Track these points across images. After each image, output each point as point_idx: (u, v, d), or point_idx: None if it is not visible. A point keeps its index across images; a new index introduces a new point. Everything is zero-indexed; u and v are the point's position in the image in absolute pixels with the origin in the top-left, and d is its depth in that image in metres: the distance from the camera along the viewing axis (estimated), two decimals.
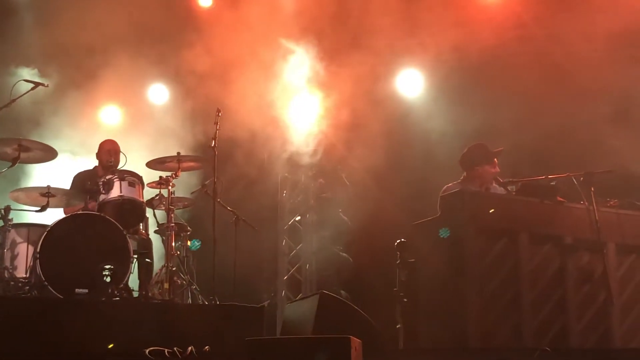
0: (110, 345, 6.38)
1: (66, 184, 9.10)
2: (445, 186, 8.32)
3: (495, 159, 8.37)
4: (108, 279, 7.76)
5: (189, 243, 9.16)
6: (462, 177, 8.41)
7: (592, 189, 7.64)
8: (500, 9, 10.41)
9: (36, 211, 8.35)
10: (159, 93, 11.65)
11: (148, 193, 8.95)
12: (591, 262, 7.57)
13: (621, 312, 7.56)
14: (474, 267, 7.21)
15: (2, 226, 8.11)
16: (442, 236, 7.29)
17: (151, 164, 9.02)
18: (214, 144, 8.85)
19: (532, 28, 10.15)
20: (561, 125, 9.74)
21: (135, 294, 8.27)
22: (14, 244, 8.17)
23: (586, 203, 7.61)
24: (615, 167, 8.07)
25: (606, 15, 9.48)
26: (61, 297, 7.64)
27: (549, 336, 7.31)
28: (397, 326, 7.80)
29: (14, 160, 8.22)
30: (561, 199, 7.71)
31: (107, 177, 8.52)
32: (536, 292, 7.36)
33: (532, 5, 10.25)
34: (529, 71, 10.08)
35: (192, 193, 9.49)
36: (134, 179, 8.62)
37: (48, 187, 8.23)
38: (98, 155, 9.47)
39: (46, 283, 7.68)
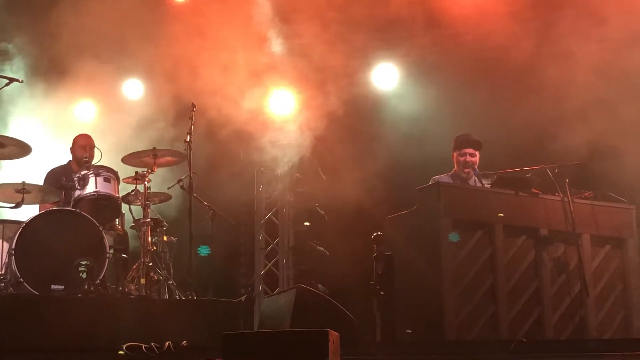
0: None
1: (40, 180, 9.05)
2: (433, 177, 8.39)
3: (470, 150, 8.41)
4: (84, 275, 7.73)
5: (165, 238, 9.13)
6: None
7: (567, 180, 7.70)
8: (477, 3, 10.43)
9: (11, 207, 8.29)
10: (134, 88, 11.60)
11: (124, 188, 8.92)
12: (566, 253, 7.62)
13: (596, 303, 7.62)
14: (450, 260, 7.24)
15: None
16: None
17: (127, 159, 8.98)
18: (189, 139, 8.83)
19: (508, 22, 10.19)
20: (536, 118, 9.78)
21: (112, 290, 8.24)
22: None
23: (561, 195, 7.66)
24: (588, 159, 8.15)
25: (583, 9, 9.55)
26: (37, 293, 7.60)
27: (524, 327, 7.35)
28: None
29: None
30: (536, 191, 7.76)
31: (82, 173, 8.48)
32: (512, 284, 7.40)
33: None
34: (505, 64, 10.13)
35: (168, 188, 9.47)
36: (109, 175, 8.58)
37: (23, 183, 8.17)
38: (72, 150, 9.43)
39: (22, 279, 7.64)
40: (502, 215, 7.48)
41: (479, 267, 7.34)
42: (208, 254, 8.88)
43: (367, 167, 10.48)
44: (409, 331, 7.38)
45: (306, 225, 11.29)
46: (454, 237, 7.27)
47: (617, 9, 9.19)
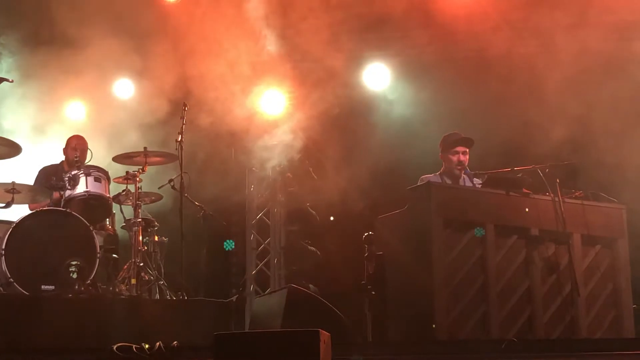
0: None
1: (30, 180, 9.04)
2: (421, 177, 8.40)
3: (462, 148, 8.42)
4: (74, 275, 7.72)
5: (156, 238, 9.11)
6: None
7: (558, 180, 7.70)
8: (468, 3, 10.44)
9: (1, 207, 8.27)
10: (124, 88, 11.57)
11: (115, 188, 8.90)
12: (557, 253, 7.63)
13: (586, 302, 7.63)
14: (441, 259, 7.24)
15: None
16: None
17: (118, 159, 8.97)
18: (181, 139, 8.84)
19: (499, 22, 10.21)
20: (527, 118, 9.80)
21: (102, 290, 8.22)
22: None
23: (552, 195, 7.67)
24: (579, 159, 8.18)
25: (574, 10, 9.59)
26: (27, 293, 7.58)
27: (515, 327, 7.36)
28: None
29: None
30: (527, 191, 7.76)
31: (73, 173, 8.48)
32: (503, 283, 7.40)
33: None
34: (497, 64, 10.15)
35: (159, 188, 9.45)
36: (100, 175, 8.57)
37: (13, 183, 8.16)
38: (64, 151, 9.47)
39: (12, 280, 7.63)
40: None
41: (469, 266, 7.34)
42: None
43: (359, 166, 10.48)
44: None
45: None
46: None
47: (610, 7, 9.24)
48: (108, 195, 8.60)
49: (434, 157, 8.80)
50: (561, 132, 9.18)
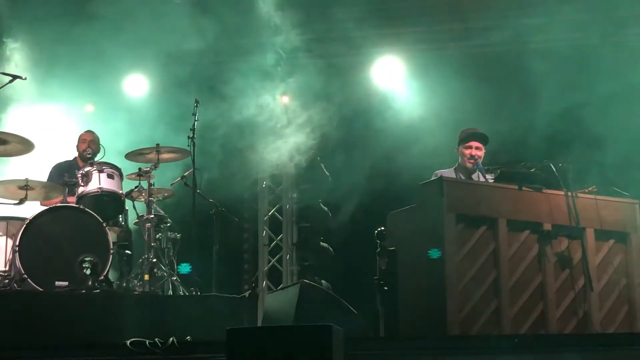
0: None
1: (43, 177, 9.08)
2: (435, 172, 8.40)
3: (476, 143, 8.41)
4: (88, 271, 7.75)
5: (169, 234, 9.13)
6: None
7: (570, 175, 7.68)
8: None
9: (14, 204, 8.31)
10: (137, 84, 11.60)
11: (127, 185, 8.93)
12: (570, 248, 7.61)
13: (600, 297, 7.61)
14: (453, 255, 7.23)
15: None
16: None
17: (130, 156, 8.99)
18: (193, 135, 8.86)
19: (516, 17, 10.22)
20: (540, 112, 9.80)
21: (116, 286, 8.25)
22: None
23: (564, 190, 7.65)
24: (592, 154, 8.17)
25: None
26: (41, 289, 7.62)
27: (528, 322, 7.34)
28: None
29: None
30: (539, 186, 7.74)
31: (86, 170, 8.52)
32: (515, 278, 7.38)
33: None
34: (510, 60, 10.15)
35: (171, 184, 9.47)
36: (112, 171, 8.61)
37: (26, 180, 8.20)
38: (77, 147, 9.50)
39: (26, 276, 7.66)
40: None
41: (482, 262, 7.32)
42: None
43: (370, 162, 10.49)
44: None
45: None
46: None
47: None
48: (121, 191, 8.63)
49: (447, 152, 8.80)
50: (573, 128, 9.18)
